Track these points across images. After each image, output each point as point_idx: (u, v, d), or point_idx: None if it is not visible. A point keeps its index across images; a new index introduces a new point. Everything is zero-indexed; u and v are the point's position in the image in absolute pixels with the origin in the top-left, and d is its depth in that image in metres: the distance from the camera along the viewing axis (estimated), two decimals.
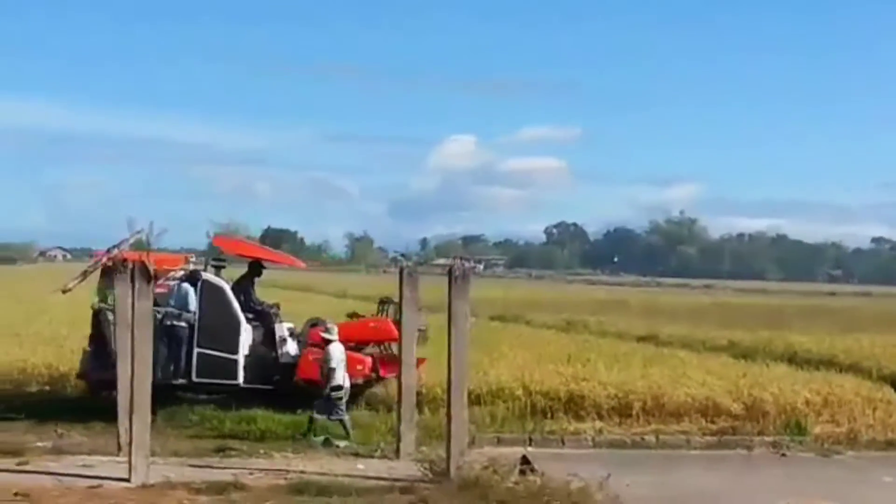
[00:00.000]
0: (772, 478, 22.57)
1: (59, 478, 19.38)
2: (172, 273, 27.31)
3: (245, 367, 26.36)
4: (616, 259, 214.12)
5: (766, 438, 25.89)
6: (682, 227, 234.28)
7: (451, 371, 20.51)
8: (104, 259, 22.69)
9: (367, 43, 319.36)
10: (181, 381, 26.12)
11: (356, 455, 22.25)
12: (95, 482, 19.04)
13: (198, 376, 26.17)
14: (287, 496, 18.53)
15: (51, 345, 33.08)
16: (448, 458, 19.86)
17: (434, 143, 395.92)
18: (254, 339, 26.81)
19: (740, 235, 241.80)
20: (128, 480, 19.02)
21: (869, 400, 28.53)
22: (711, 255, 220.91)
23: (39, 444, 22.70)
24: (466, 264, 23.76)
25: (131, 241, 26.71)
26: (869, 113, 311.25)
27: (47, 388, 28.79)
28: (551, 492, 18.18)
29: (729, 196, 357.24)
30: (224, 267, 28.10)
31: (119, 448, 21.13)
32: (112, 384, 22.69)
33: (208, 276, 27.22)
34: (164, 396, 24.59)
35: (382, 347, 27.37)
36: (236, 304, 26.80)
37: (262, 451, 22.31)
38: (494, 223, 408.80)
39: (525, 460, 20.29)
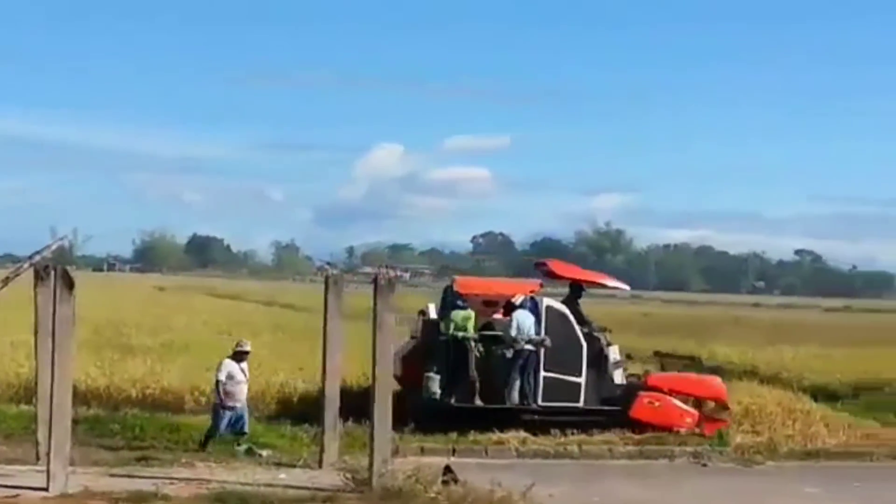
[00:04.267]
0: (693, 488, 22.71)
1: None
2: (514, 298, 27.36)
3: (585, 390, 27.03)
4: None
5: (688, 448, 26.06)
6: (609, 237, 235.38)
7: (374, 380, 20.47)
8: (26, 266, 22.42)
9: (295, 51, 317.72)
10: (527, 405, 26.76)
11: (279, 465, 22.14)
12: (12, 492, 18.79)
13: (543, 400, 26.87)
14: None
15: None
16: (371, 467, 19.80)
17: (361, 152, 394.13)
18: (589, 362, 27.26)
19: (666, 246, 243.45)
20: (46, 490, 18.79)
21: (789, 410, 28.87)
22: (637, 265, 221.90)
23: None
24: (392, 273, 23.65)
25: (54, 247, 26.42)
26: (797, 124, 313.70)
27: None
28: (474, 501, 18.21)
29: (655, 207, 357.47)
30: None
31: (38, 457, 20.89)
32: (472, 411, 25.88)
33: (550, 301, 27.65)
34: (510, 420, 26.07)
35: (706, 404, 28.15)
36: (578, 329, 27.30)
37: (184, 461, 22.14)
38: (421, 232, 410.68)
39: (448, 470, 20.25)
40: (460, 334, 26.77)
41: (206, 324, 48.39)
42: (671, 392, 27.57)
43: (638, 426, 26.70)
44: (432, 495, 18.56)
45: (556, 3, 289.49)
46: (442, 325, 27.42)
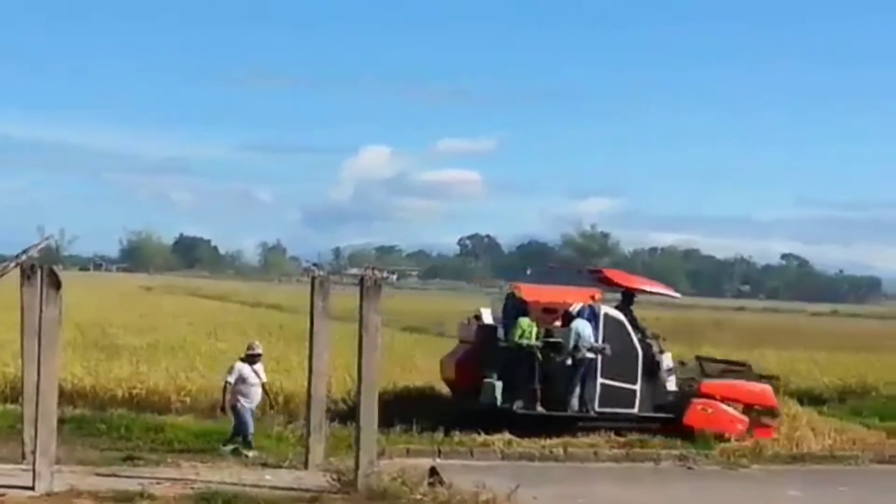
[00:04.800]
0: (679, 491, 22.78)
1: None
2: (573, 307, 27.62)
3: (640, 397, 27.40)
4: (529, 272, 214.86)
5: (674, 451, 26.13)
6: (595, 240, 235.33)
7: (361, 381, 20.47)
8: (12, 265, 22.38)
9: (284, 52, 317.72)
10: (586, 412, 27.08)
11: (265, 465, 22.11)
12: None
13: (600, 406, 27.17)
14: None
15: None
16: (356, 468, 19.82)
17: (349, 154, 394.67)
18: (643, 369, 27.55)
19: (652, 249, 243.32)
20: (32, 489, 18.77)
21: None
22: (624, 268, 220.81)
23: None
24: (378, 274, 23.69)
25: (41, 246, 26.41)
26: (787, 128, 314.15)
27: None
28: (459, 503, 18.22)
29: (642, 210, 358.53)
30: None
31: (23, 456, 20.85)
32: (537, 418, 26.32)
33: (608, 309, 27.93)
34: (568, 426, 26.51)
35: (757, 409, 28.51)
36: (634, 336, 27.71)
37: (170, 461, 22.12)
38: (409, 234, 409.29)
39: (433, 471, 20.28)
40: (525, 342, 26.92)
41: (192, 324, 48.35)
42: (723, 399, 27.94)
43: (691, 433, 27.12)
44: (418, 497, 18.60)
45: (541, 6, 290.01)
46: (499, 331, 27.64)
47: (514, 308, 27.66)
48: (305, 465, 21.78)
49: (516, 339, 26.91)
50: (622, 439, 26.53)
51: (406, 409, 26.96)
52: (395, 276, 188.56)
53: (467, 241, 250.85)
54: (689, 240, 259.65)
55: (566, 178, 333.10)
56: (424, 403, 28.24)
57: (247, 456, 22.92)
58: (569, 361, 27.01)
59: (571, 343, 26.82)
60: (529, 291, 28.42)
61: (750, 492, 23.11)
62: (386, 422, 24.20)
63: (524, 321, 27.05)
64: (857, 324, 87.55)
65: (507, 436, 26.05)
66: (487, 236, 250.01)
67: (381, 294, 20.81)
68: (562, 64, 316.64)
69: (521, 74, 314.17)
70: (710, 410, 27.59)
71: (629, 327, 27.73)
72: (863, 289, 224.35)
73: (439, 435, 25.86)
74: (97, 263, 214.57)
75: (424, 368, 32.27)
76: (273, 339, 40.83)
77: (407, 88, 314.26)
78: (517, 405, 26.71)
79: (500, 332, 27.60)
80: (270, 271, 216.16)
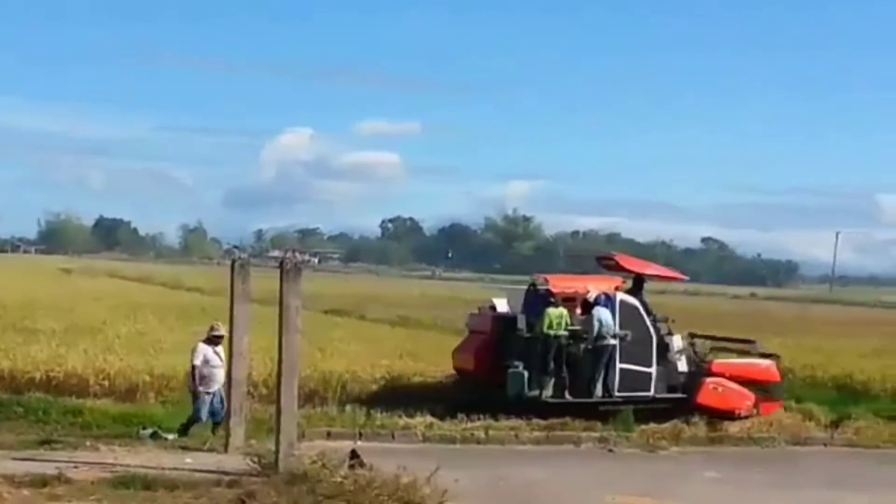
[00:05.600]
0: (598, 473, 22.93)
1: None
2: (589, 295, 28.09)
3: (655, 380, 28.01)
4: (450, 255, 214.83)
5: (594, 434, 26.33)
6: (518, 224, 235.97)
7: (281, 364, 20.40)
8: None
9: (203, 33, 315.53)
10: (609, 397, 27.61)
11: (184, 448, 22.00)
12: None
13: (619, 390, 27.68)
14: (112, 490, 18.24)
15: None
16: (277, 451, 19.77)
17: (270, 135, 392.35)
18: (658, 352, 28.18)
19: (575, 233, 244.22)
20: None
21: None
22: (546, 252, 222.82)
23: None
24: (299, 257, 23.63)
25: None
26: (709, 113, 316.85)
27: None
28: (380, 486, 18.19)
29: (564, 194, 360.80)
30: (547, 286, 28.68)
31: None
32: (563, 405, 26.95)
33: (623, 295, 28.32)
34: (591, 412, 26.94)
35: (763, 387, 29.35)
36: (649, 321, 28.35)
37: (88, 444, 21.95)
38: (330, 217, 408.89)
39: (354, 454, 20.26)
40: (552, 332, 27.22)
41: (111, 307, 47.90)
42: (732, 377, 28.60)
43: (703, 411, 27.94)
44: (338, 479, 18.53)
45: None
46: (520, 321, 27.89)
47: (539, 298, 28.10)
48: (226, 448, 21.72)
49: (545, 328, 27.22)
50: (543, 422, 26.66)
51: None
52: (316, 259, 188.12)
53: (389, 224, 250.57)
54: (611, 223, 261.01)
55: (488, 162, 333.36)
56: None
57: (166, 439, 22.78)
58: (587, 347, 27.68)
59: (595, 330, 27.34)
60: (556, 281, 28.95)
61: (668, 473, 23.32)
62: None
63: (554, 311, 27.41)
64: (775, 307, 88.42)
65: (428, 419, 26.17)
66: (410, 219, 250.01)
67: (301, 277, 20.74)
68: (483, 48, 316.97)
69: (439, 59, 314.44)
70: (720, 389, 28.36)
71: (643, 312, 28.36)
72: (781, 272, 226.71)
73: (361, 418, 25.88)
74: (14, 245, 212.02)
75: (345, 351, 32.23)
76: (194, 321, 40.60)
77: (328, 71, 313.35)
78: (546, 394, 27.25)
79: (522, 323, 27.88)
80: (191, 253, 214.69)
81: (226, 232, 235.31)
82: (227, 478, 19.07)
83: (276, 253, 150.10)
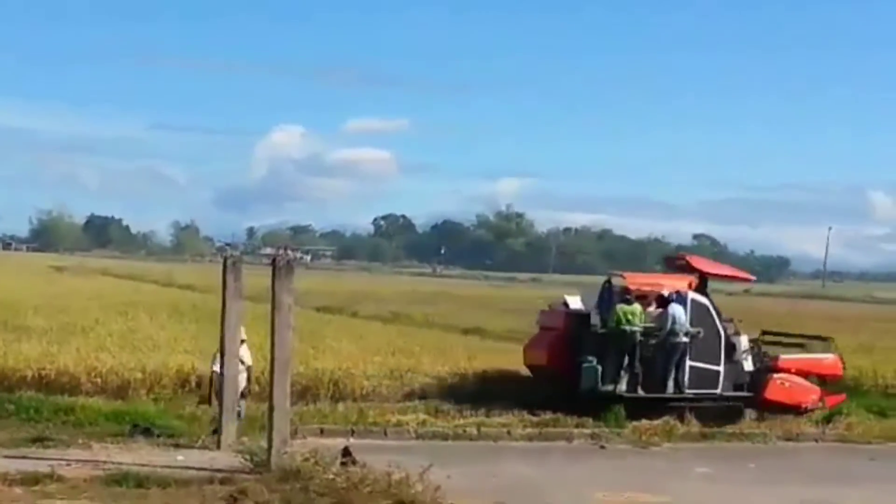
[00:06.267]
0: (590, 469, 22.95)
1: None
2: (663, 292, 28.80)
3: (723, 378, 28.58)
4: (443, 251, 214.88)
5: (586, 430, 26.33)
6: (510, 220, 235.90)
7: (273, 361, 20.41)
8: None
9: (195, 33, 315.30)
10: (680, 393, 28.22)
11: (177, 446, 22.00)
12: None
13: (689, 388, 28.26)
14: (104, 487, 18.24)
15: None
16: (269, 448, 19.77)
17: (262, 133, 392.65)
18: (725, 351, 28.78)
19: (567, 230, 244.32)
20: None
21: None
22: (538, 249, 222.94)
23: None
24: (291, 254, 23.66)
25: None
26: (696, 111, 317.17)
27: None
28: (372, 483, 18.20)
29: (554, 191, 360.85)
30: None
31: None
32: (636, 400, 27.44)
33: (694, 294, 28.76)
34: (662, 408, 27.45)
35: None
36: (718, 319, 28.88)
37: (80, 441, 21.93)
38: (322, 214, 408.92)
39: (347, 451, 20.26)
40: (629, 328, 27.73)
41: (103, 305, 47.84)
42: (798, 373, 29.34)
43: (770, 407, 28.81)
44: (331, 477, 18.55)
45: None
46: (593, 318, 28.43)
47: (614, 295, 28.58)
48: (218, 445, 21.71)
49: (618, 323, 27.74)
50: (535, 418, 26.69)
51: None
52: (308, 256, 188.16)
53: (381, 221, 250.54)
54: (601, 220, 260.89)
55: (479, 159, 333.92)
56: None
57: (159, 436, 22.74)
58: (659, 343, 28.17)
59: (668, 327, 27.78)
60: (633, 279, 29.50)
61: (660, 469, 23.33)
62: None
63: (626, 307, 27.89)
64: (767, 303, 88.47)
65: (420, 416, 26.22)
66: (402, 216, 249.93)
67: (293, 274, 20.75)
68: (473, 46, 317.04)
69: (432, 56, 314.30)
70: (787, 384, 29.11)
71: (713, 311, 28.82)
72: (773, 268, 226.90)
73: (353, 415, 25.89)
74: (6, 243, 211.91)
75: (337, 349, 32.23)
76: (186, 319, 40.62)
77: (319, 69, 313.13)
78: (620, 388, 27.68)
79: (595, 319, 28.40)
80: (183, 251, 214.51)
81: (218, 230, 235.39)
82: (219, 475, 19.06)
83: (268, 250, 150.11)
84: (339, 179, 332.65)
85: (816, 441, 27.80)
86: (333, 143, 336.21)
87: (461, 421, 26.27)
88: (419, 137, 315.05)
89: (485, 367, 30.59)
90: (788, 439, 27.57)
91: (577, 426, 26.52)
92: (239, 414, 23.02)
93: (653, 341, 28.04)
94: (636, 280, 29.52)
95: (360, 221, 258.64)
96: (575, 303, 29.83)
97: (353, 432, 24.66)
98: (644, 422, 26.94)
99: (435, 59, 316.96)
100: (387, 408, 26.70)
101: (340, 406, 26.97)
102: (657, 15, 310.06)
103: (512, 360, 30.98)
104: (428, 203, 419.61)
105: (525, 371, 29.61)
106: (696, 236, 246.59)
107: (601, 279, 30.20)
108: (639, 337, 27.86)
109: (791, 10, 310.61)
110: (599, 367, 27.61)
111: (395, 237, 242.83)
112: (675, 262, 32.00)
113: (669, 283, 29.25)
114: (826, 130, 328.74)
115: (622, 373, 27.79)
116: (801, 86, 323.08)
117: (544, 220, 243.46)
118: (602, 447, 25.57)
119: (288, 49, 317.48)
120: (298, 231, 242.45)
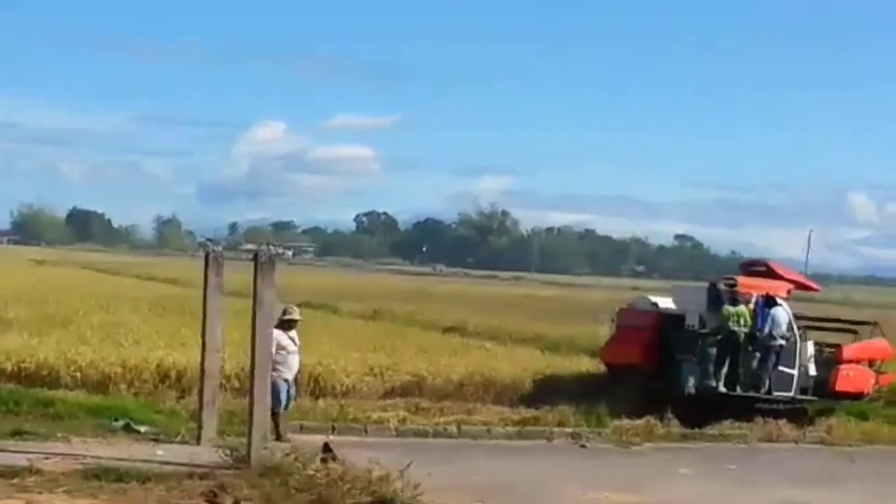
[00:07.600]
0: (572, 469, 22.93)
1: None
2: (766, 294, 29.70)
3: (796, 381, 29.69)
4: (425, 249, 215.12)
5: (567, 429, 26.34)
6: (492, 219, 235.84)
7: (254, 356, 20.33)
8: None
9: (178, 24, 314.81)
10: (768, 395, 29.37)
11: (156, 441, 21.89)
12: None
13: (774, 390, 29.38)
14: (83, 481, 18.11)
15: None
16: (249, 444, 19.71)
17: (244, 128, 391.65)
18: (800, 355, 29.96)
19: (549, 229, 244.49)
20: None
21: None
22: (520, 247, 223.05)
23: None
24: (273, 250, 23.63)
25: None
26: (676, 112, 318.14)
27: None
28: (352, 479, 18.15)
29: (539, 190, 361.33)
30: (735, 286, 29.91)
31: None
32: (734, 399, 28.65)
33: (782, 300, 29.63)
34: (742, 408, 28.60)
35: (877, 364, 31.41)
36: (794, 324, 29.97)
37: (59, 435, 21.82)
38: (304, 210, 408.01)
39: (327, 448, 20.21)
40: (736, 328, 28.84)
41: (84, 298, 47.70)
42: (860, 361, 30.78)
43: (840, 398, 30.29)
44: (310, 473, 18.50)
45: None
46: (689, 317, 29.56)
47: (718, 297, 29.44)
48: (198, 440, 21.61)
49: (732, 325, 28.83)
50: (516, 417, 26.69)
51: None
52: (290, 252, 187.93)
53: (363, 218, 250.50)
54: (584, 219, 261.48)
55: (461, 157, 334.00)
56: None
57: (139, 431, 22.68)
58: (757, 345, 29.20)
59: (767, 329, 28.80)
60: (744, 283, 30.11)
61: (641, 469, 23.34)
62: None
63: (732, 308, 28.90)
64: None
65: (401, 413, 26.23)
66: (384, 213, 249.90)
67: (275, 269, 20.69)
68: (455, 42, 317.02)
69: (413, 53, 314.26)
70: (852, 374, 30.28)
71: (791, 317, 29.72)
72: None
73: (334, 411, 25.88)
74: None
75: (318, 345, 32.16)
76: (167, 313, 40.52)
77: (300, 64, 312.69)
78: (720, 387, 28.68)
79: (692, 319, 29.38)
80: (165, 246, 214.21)
81: (200, 224, 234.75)
82: (199, 470, 18.96)
83: (250, 246, 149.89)
84: (321, 176, 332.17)
85: (796, 443, 27.90)
86: (316, 139, 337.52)
87: (441, 419, 26.28)
88: (403, 134, 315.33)
89: (465, 365, 30.57)
90: (768, 440, 27.64)
91: (557, 425, 26.52)
92: (277, 405, 22.44)
93: (750, 343, 29.01)
94: (746, 284, 30.13)
95: (343, 218, 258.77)
96: (665, 303, 30.88)
97: (333, 429, 24.62)
98: (625, 421, 26.98)
99: (420, 56, 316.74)
100: (367, 405, 26.68)
101: (321, 402, 26.94)
102: (641, 14, 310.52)
103: (492, 357, 30.99)
104: (410, 200, 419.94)
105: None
106: (677, 237, 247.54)
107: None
108: (742, 338, 28.70)
109: (774, 10, 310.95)
110: (697, 367, 28.65)
111: (377, 234, 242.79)
112: (751, 267, 32.69)
113: (773, 288, 29.97)
114: (808, 132, 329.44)
115: (721, 372, 28.67)
116: (784, 87, 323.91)
117: (527, 218, 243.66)
118: (583, 446, 25.58)
119: (272, 43, 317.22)
120: (280, 227, 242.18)
